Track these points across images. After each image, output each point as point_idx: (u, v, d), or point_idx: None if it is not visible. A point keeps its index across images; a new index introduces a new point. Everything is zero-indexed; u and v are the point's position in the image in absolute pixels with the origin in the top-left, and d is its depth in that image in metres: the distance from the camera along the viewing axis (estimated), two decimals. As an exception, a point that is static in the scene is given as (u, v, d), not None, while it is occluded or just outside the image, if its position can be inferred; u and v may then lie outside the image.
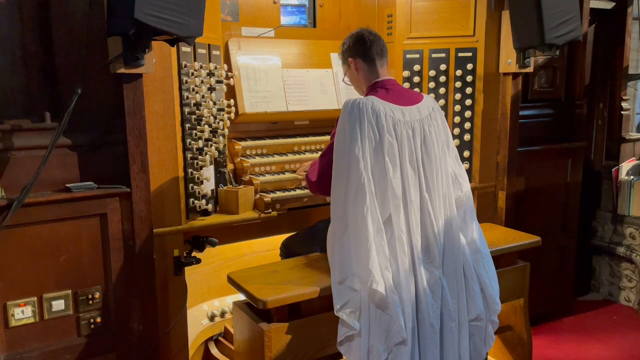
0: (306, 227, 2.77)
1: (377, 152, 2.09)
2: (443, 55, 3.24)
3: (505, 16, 3.10)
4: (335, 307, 2.07)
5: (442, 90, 3.27)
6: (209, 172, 2.59)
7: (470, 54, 3.21)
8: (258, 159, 2.92)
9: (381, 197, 2.08)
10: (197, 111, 2.53)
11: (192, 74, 2.51)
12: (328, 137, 3.11)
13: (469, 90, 3.24)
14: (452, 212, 2.25)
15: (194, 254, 2.60)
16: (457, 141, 3.26)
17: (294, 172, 2.95)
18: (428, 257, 2.16)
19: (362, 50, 2.31)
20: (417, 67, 3.26)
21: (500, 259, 2.66)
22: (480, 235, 2.36)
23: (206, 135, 2.55)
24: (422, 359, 2.13)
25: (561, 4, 2.77)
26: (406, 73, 3.28)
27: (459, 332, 2.20)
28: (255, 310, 2.18)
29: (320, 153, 2.41)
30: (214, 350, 2.95)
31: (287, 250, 2.74)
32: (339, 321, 2.07)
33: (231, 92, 2.85)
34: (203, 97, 2.58)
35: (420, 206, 2.16)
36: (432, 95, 3.25)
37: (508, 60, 3.16)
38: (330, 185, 2.17)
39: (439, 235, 2.18)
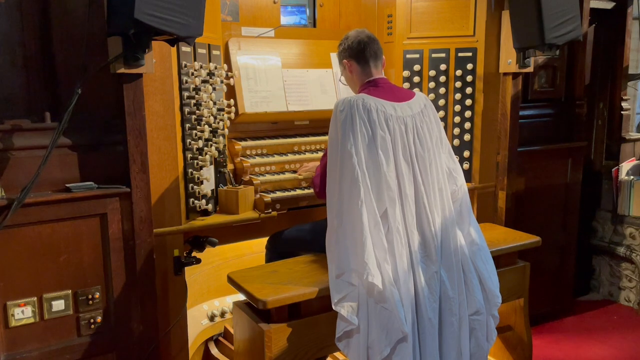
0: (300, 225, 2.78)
1: (370, 147, 2.10)
2: (443, 55, 3.24)
3: (505, 16, 3.10)
4: (332, 301, 2.07)
5: (442, 90, 3.27)
6: (209, 172, 2.59)
7: (470, 54, 3.21)
8: (258, 159, 2.92)
9: (377, 191, 2.09)
10: (197, 111, 2.53)
11: (192, 74, 2.51)
12: (328, 137, 3.12)
13: (469, 90, 3.24)
14: (448, 206, 2.26)
15: (194, 254, 2.60)
16: (457, 141, 3.26)
17: (294, 172, 2.95)
18: (424, 251, 2.17)
19: (356, 53, 2.33)
20: (417, 67, 3.26)
21: (500, 259, 2.66)
22: (477, 228, 2.36)
23: (206, 135, 2.55)
24: (422, 353, 2.13)
25: (561, 4, 2.77)
26: (406, 73, 3.28)
27: (460, 326, 2.21)
28: (255, 310, 2.18)
29: (320, 153, 2.41)
30: (214, 350, 2.95)
31: (277, 248, 2.74)
32: (338, 316, 2.07)
33: (231, 92, 2.85)
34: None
35: (416, 200, 2.17)
36: (432, 95, 3.25)
37: (508, 60, 3.16)
38: None
39: (436, 229, 2.19)
